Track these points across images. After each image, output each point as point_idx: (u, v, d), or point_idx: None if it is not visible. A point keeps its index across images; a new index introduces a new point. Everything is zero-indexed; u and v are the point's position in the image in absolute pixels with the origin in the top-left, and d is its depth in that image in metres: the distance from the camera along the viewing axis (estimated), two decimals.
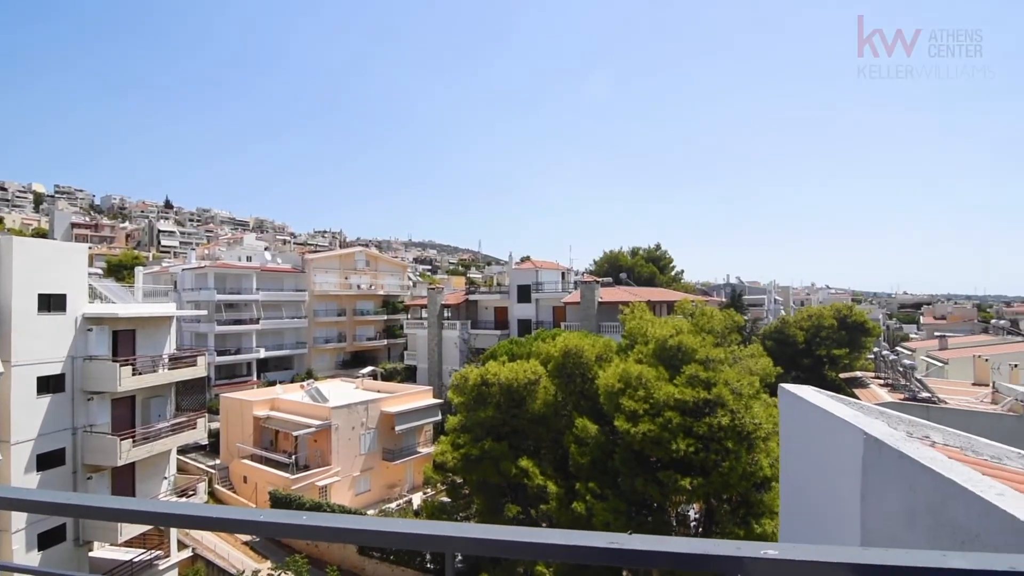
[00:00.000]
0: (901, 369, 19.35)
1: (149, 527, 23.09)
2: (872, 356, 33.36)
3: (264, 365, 54.65)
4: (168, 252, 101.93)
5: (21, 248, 19.92)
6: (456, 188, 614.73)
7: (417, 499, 34.54)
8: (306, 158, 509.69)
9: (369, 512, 32.50)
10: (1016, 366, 19.74)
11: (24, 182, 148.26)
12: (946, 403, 15.94)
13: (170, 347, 25.24)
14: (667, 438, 16.76)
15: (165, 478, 25.15)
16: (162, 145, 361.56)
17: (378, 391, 41.19)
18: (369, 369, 48.94)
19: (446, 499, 25.68)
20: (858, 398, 16.23)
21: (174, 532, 25.01)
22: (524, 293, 48.66)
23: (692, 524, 21.78)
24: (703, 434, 16.86)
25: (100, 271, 45.17)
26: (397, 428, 36.53)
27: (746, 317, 48.09)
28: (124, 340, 23.13)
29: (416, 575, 27.95)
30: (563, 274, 52.05)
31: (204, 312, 45.43)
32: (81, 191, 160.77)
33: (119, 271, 65.31)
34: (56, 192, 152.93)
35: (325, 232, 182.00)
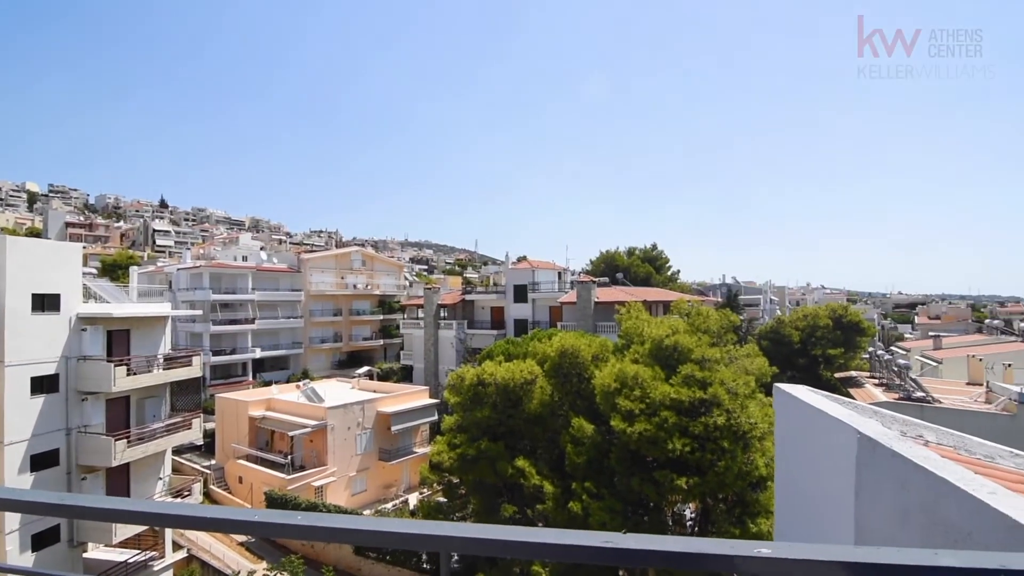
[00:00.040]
0: (896, 369, 19.45)
1: (144, 528, 23.01)
2: (867, 356, 33.53)
3: (260, 365, 54.52)
4: (163, 252, 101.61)
5: (15, 248, 19.81)
6: (453, 188, 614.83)
7: (413, 499, 34.50)
8: (302, 158, 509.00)
9: (365, 512, 32.47)
10: (1010, 366, 19.84)
11: (18, 181, 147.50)
12: (940, 402, 16.02)
13: (165, 347, 25.15)
14: (663, 438, 16.79)
15: (160, 479, 25.06)
16: (157, 144, 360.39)
17: (374, 391, 41.13)
18: (365, 369, 48.84)
19: (442, 499, 25.64)
20: (853, 398, 16.31)
21: (169, 533, 24.93)
22: (520, 293, 48.66)
23: (688, 524, 21.81)
24: (699, 434, 16.88)
25: (94, 271, 44.97)
26: (393, 428, 36.49)
27: (742, 317, 48.20)
28: (119, 340, 23.03)
29: (412, 575, 27.94)
30: (559, 274, 52.07)
31: (199, 312, 45.33)
32: (75, 190, 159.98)
33: (114, 271, 64.97)
34: (50, 191, 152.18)
35: (321, 232, 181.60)
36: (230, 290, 53.17)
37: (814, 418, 3.30)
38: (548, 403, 21.81)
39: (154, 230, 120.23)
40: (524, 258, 62.23)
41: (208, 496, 34.47)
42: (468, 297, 54.26)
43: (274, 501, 30.32)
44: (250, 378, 52.79)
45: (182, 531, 27.98)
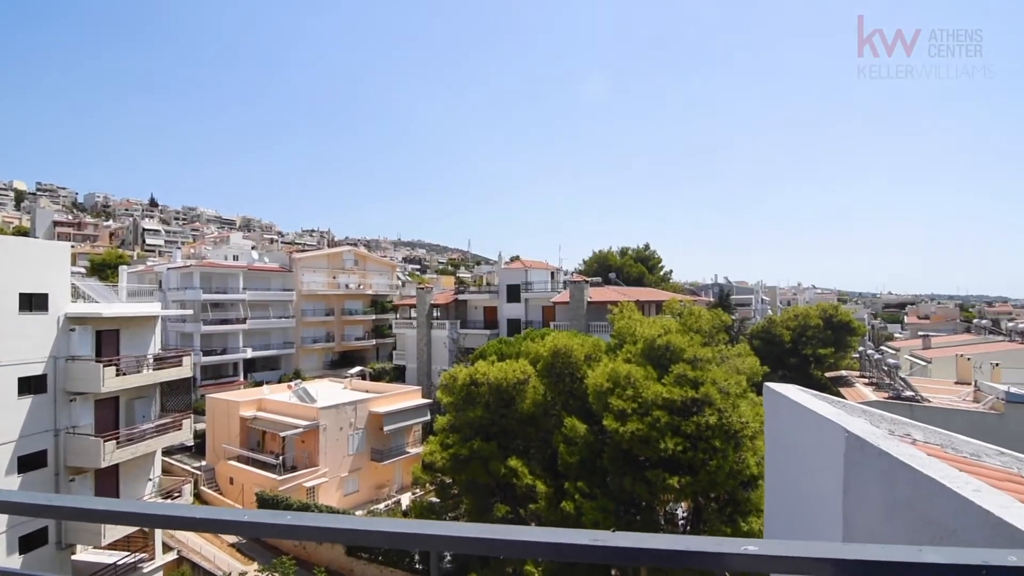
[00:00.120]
0: (885, 368, 19.61)
1: (133, 529, 22.82)
2: (857, 355, 33.76)
3: (251, 365, 54.18)
4: (153, 251, 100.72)
5: (2, 247, 19.63)
6: (446, 188, 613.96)
7: (406, 500, 34.44)
8: (295, 157, 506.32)
9: (357, 513, 32.35)
10: (997, 365, 20.03)
11: (5, 179, 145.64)
12: (929, 401, 16.18)
13: (155, 347, 24.95)
14: (655, 437, 16.86)
15: (150, 480, 24.86)
16: (147, 143, 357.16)
17: (366, 391, 40.99)
18: (357, 369, 48.69)
19: (435, 499, 25.62)
20: (844, 397, 16.43)
21: (159, 534, 24.74)
22: (513, 293, 48.69)
23: (680, 523, 21.92)
24: (691, 433, 16.98)
25: (83, 270, 44.50)
26: (386, 428, 36.38)
27: (734, 317, 48.48)
28: (108, 340, 22.82)
29: None
30: (552, 274, 52.16)
31: (190, 312, 44.96)
32: (64, 189, 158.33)
33: (103, 270, 64.39)
34: (38, 190, 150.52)
35: (313, 231, 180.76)
36: (221, 290, 52.82)
37: (803, 417, 3.32)
38: (541, 403, 21.83)
39: (144, 229, 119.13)
40: (517, 258, 62.31)
41: (199, 497, 34.23)
42: (461, 297, 54.23)
43: (265, 502, 30.16)
44: (241, 378, 52.45)
45: (172, 532, 27.78)
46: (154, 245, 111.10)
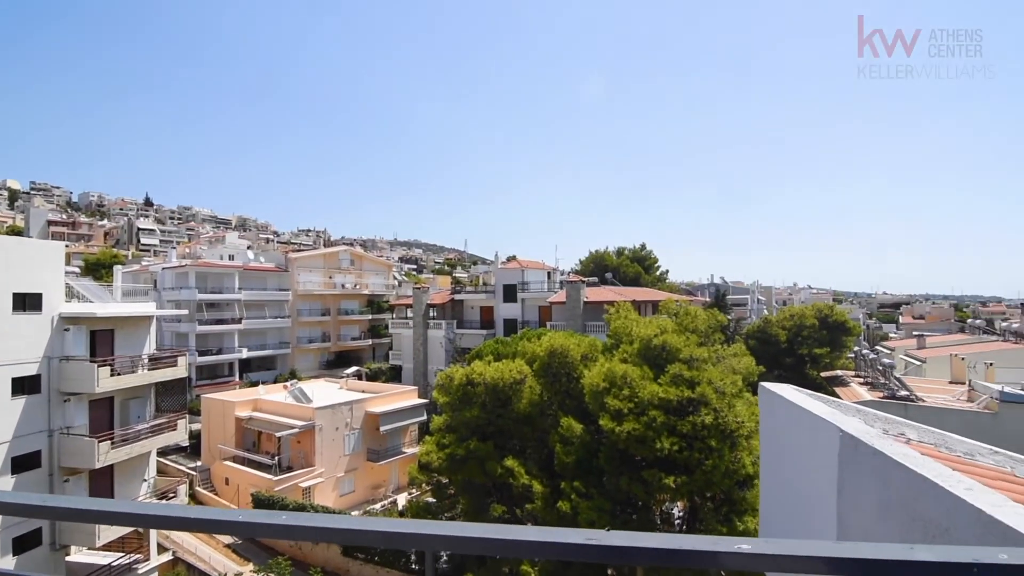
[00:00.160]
0: (880, 368, 19.72)
1: (128, 530, 22.73)
2: (853, 355, 33.96)
3: (246, 365, 54.04)
4: (148, 251, 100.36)
5: None
6: (443, 188, 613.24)
7: (402, 500, 34.40)
8: (291, 156, 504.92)
9: (353, 513, 32.29)
10: (991, 364, 20.17)
11: None
12: (924, 401, 16.27)
13: (150, 347, 24.85)
14: (651, 437, 16.88)
15: (145, 480, 24.76)
16: (143, 142, 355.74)
17: (363, 391, 40.94)
18: (354, 369, 48.61)
19: (431, 499, 25.59)
20: (839, 396, 16.51)
21: (153, 535, 24.65)
22: (510, 293, 48.69)
23: (676, 522, 21.95)
24: (687, 432, 17.00)
25: (77, 270, 44.35)
26: (382, 428, 36.34)
27: (729, 317, 48.63)
28: (102, 340, 22.73)
29: None
30: (549, 274, 52.17)
31: (185, 312, 44.83)
32: (58, 188, 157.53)
33: (97, 270, 64.11)
34: (32, 189, 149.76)
35: (309, 231, 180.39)
36: (216, 289, 52.65)
37: (798, 416, 3.34)
38: (537, 403, 21.84)
39: (139, 229, 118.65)
40: (514, 258, 62.36)
41: (194, 498, 34.12)
42: (457, 297, 54.19)
43: (261, 502, 30.08)
44: (237, 378, 52.30)
45: (167, 533, 27.68)
46: (149, 245, 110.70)
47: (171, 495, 25.32)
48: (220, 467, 35.36)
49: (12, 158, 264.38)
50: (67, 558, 21.65)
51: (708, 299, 58.69)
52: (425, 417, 37.47)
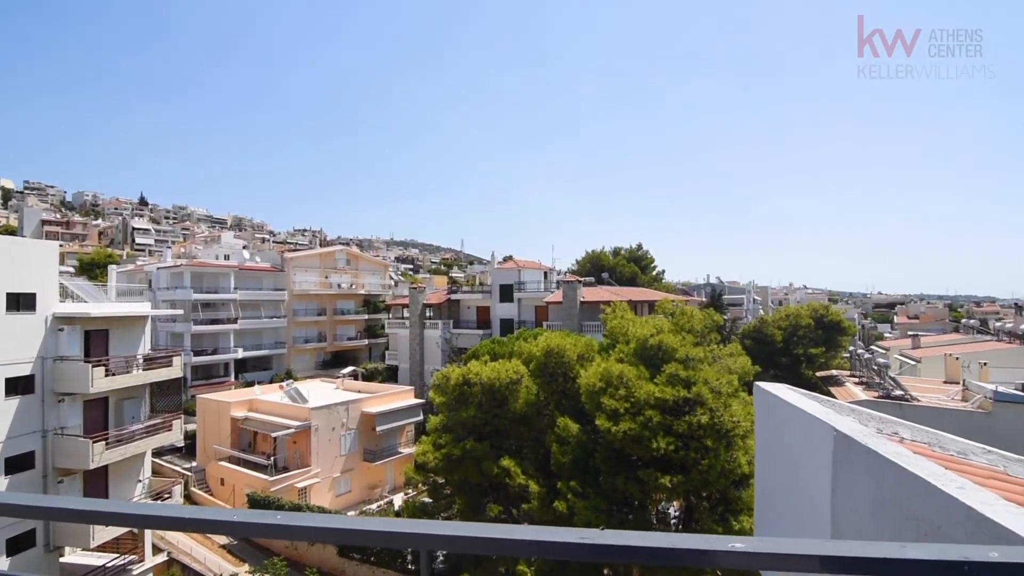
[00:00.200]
0: (875, 368, 19.80)
1: (123, 531, 22.63)
2: (848, 355, 34.07)
3: (242, 365, 53.87)
4: (143, 250, 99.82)
5: None
6: (440, 188, 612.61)
7: (398, 500, 34.35)
8: (287, 156, 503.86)
9: (350, 514, 32.24)
10: (985, 364, 20.25)
11: None
12: (919, 401, 16.34)
13: (145, 347, 24.75)
14: (647, 436, 16.91)
15: (139, 481, 24.65)
16: (137, 141, 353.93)
17: (359, 391, 40.85)
18: (350, 369, 48.51)
19: (427, 500, 25.56)
20: (834, 396, 16.57)
21: (148, 536, 24.55)
22: (506, 293, 48.68)
23: (672, 522, 21.99)
24: (683, 432, 17.03)
25: (72, 270, 44.12)
26: (378, 428, 36.29)
27: (725, 316, 48.68)
28: (97, 340, 22.62)
29: None
30: (545, 274, 52.18)
31: (180, 312, 44.60)
32: (52, 187, 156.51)
33: (92, 270, 63.81)
34: (26, 188, 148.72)
35: (305, 231, 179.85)
36: (212, 289, 52.48)
37: (793, 416, 3.35)
38: (534, 403, 21.84)
39: (133, 228, 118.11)
40: (510, 258, 62.27)
41: (189, 498, 33.99)
42: (454, 297, 54.15)
43: (256, 503, 29.99)
44: (232, 379, 52.14)
45: (162, 534, 27.56)
46: (144, 244, 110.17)
47: (166, 496, 25.21)
48: (215, 468, 35.24)
49: (6, 157, 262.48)
50: (61, 559, 21.54)
51: (704, 299, 58.80)
52: (421, 417, 37.43)
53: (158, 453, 34.43)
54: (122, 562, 22.45)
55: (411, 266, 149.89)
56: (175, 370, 25.61)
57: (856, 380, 21.45)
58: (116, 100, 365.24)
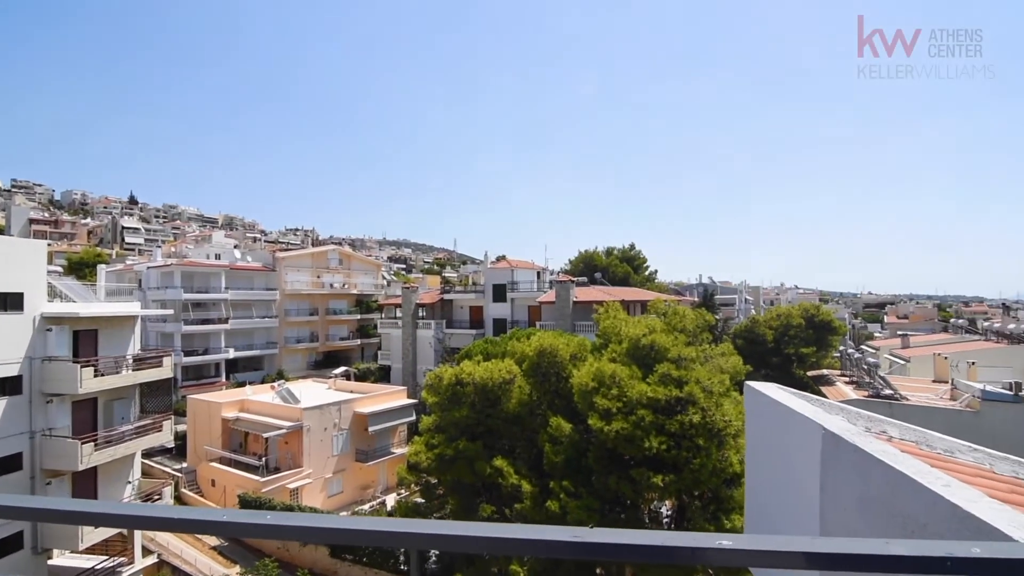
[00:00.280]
0: (866, 367, 20.01)
1: (112, 533, 22.44)
2: (838, 354, 34.40)
3: (233, 366, 53.53)
4: (132, 250, 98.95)
5: None
6: (433, 187, 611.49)
7: (391, 500, 34.27)
8: (278, 155, 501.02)
9: (342, 515, 32.13)
10: (973, 364, 20.52)
11: None
12: (908, 400, 16.52)
13: (134, 347, 24.55)
14: (640, 436, 16.97)
15: (129, 482, 24.45)
16: (127, 138, 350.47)
17: (351, 391, 40.73)
18: (342, 369, 48.34)
19: (420, 500, 25.53)
20: (825, 395, 16.70)
21: (138, 538, 24.35)
22: (499, 292, 48.68)
23: (665, 521, 22.08)
24: (675, 432, 17.11)
25: (60, 269, 43.71)
26: (371, 429, 36.17)
27: (717, 316, 49.02)
28: (86, 340, 22.41)
29: None
30: (538, 273, 52.24)
31: (170, 311, 44.31)
32: (40, 185, 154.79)
33: (80, 269, 63.15)
34: (13, 186, 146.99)
35: (297, 230, 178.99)
36: (202, 289, 52.11)
37: (782, 415, 3.37)
38: (526, 402, 21.87)
39: (123, 227, 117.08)
40: (503, 257, 62.28)
41: (179, 500, 33.75)
42: (447, 296, 54.09)
43: (248, 504, 29.82)
44: (223, 379, 51.79)
45: (152, 536, 27.35)
46: (134, 244, 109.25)
47: (156, 497, 25.01)
48: (206, 469, 35.01)
49: None
50: (49, 561, 21.32)
51: (696, 299, 59.08)
52: (414, 417, 37.34)
53: (148, 454, 34.16)
54: (111, 564, 22.26)
55: (404, 266, 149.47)
56: (165, 370, 25.41)
57: (846, 379, 21.66)
58: (106, 98, 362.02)
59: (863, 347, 34.78)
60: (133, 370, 23.65)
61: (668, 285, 70.39)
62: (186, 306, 50.22)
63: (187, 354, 48.80)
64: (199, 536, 29.50)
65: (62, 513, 1.44)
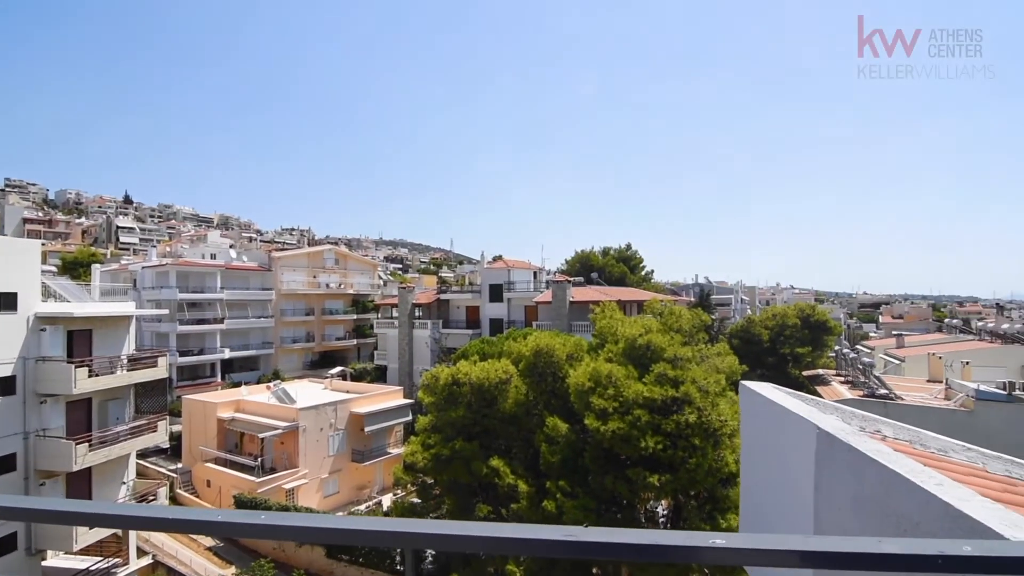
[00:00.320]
0: (861, 367, 20.09)
1: (106, 534, 22.34)
2: (834, 354, 34.50)
3: (229, 366, 53.39)
4: (127, 249, 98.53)
5: None
6: (429, 187, 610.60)
7: (387, 501, 34.24)
8: (274, 154, 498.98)
9: (338, 515, 32.06)
10: (968, 363, 20.60)
11: None
12: (903, 399, 16.58)
13: (129, 347, 24.46)
14: (636, 436, 17.00)
15: (124, 483, 24.35)
16: (122, 138, 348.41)
17: (347, 391, 40.66)
18: (338, 369, 48.26)
19: (416, 500, 25.50)
20: (820, 395, 16.77)
21: (133, 539, 24.26)
22: (496, 292, 48.68)
23: (660, 520, 22.12)
24: (671, 431, 17.15)
25: (54, 269, 43.38)
26: (367, 429, 36.14)
27: (713, 316, 49.06)
28: (80, 340, 22.31)
29: None
30: (535, 273, 52.24)
31: (165, 311, 44.12)
32: (34, 185, 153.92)
33: (75, 269, 62.88)
34: (7, 186, 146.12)
35: (293, 230, 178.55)
36: (198, 289, 51.97)
37: (777, 415, 3.39)
38: (523, 402, 21.87)
39: (118, 227, 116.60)
40: (500, 257, 62.27)
41: (175, 500, 33.64)
42: (443, 296, 54.04)
43: (243, 504, 29.75)
44: (219, 379, 51.66)
45: (147, 536, 27.24)
46: (128, 243, 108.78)
47: (151, 498, 24.93)
48: (202, 469, 34.90)
49: None
50: (43, 563, 21.22)
51: (692, 299, 59.21)
52: (410, 417, 37.32)
53: (143, 455, 34.05)
54: (106, 565, 22.17)
55: (400, 266, 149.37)
56: (160, 371, 25.33)
57: (842, 379, 21.73)
58: (101, 98, 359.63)
59: (858, 347, 34.92)
60: (128, 370, 23.56)
61: (664, 285, 70.57)
62: (181, 306, 50.06)
63: (182, 354, 48.66)
64: (194, 537, 29.42)
65: (56, 513, 1.43)
